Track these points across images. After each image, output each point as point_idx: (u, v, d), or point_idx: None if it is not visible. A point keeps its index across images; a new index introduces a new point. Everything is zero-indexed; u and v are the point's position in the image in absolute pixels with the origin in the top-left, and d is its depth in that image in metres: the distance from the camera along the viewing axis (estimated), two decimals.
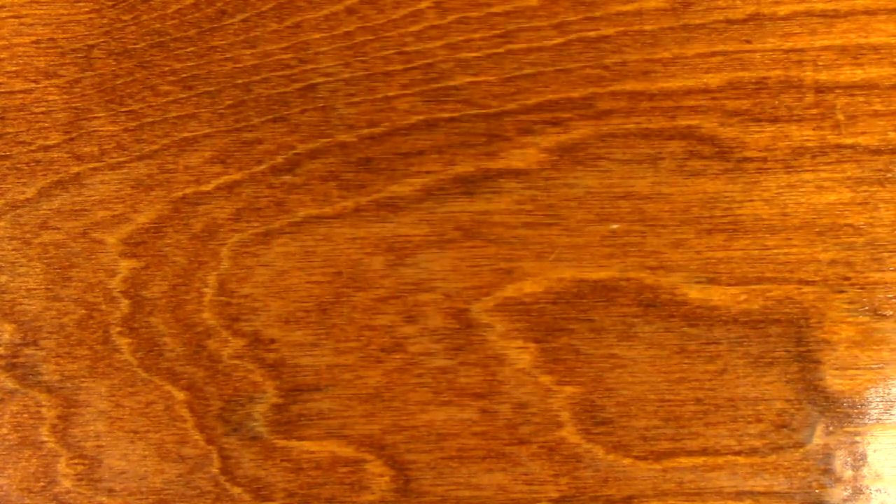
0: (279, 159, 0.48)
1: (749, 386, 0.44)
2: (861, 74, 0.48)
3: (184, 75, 0.49)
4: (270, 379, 0.48)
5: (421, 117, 0.49)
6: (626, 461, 0.47)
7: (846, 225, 0.46)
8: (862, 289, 0.45)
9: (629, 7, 0.50)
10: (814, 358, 0.44)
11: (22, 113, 0.50)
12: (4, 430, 0.49)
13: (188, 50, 0.50)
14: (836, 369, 0.44)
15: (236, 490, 0.48)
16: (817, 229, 0.46)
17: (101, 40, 0.50)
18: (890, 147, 0.47)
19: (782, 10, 0.49)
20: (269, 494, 0.48)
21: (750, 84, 0.48)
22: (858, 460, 0.43)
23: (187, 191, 0.47)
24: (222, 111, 0.49)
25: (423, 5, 0.50)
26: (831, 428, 0.43)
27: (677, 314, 0.45)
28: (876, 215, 0.46)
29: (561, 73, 0.49)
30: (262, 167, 0.48)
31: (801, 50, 0.49)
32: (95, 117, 0.49)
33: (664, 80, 0.49)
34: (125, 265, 0.49)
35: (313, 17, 0.50)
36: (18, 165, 0.50)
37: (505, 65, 0.49)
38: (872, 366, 0.44)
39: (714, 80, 0.49)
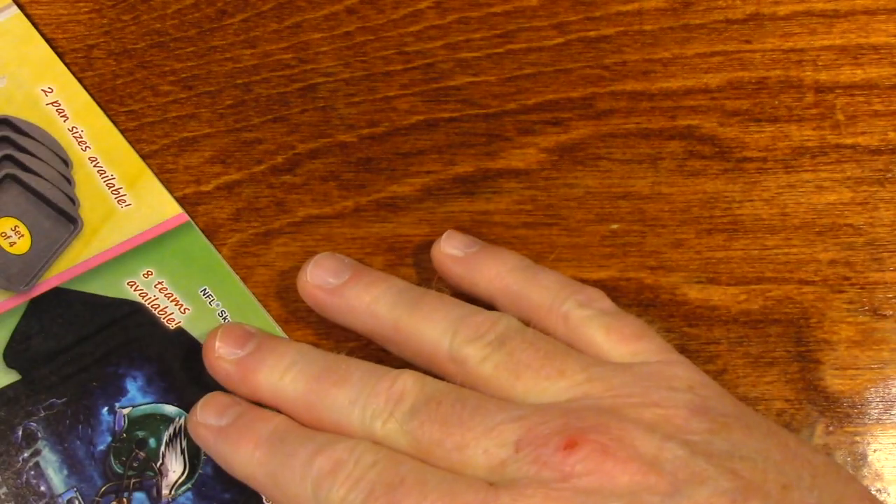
0: (279, 159, 0.48)
1: (749, 386, 0.44)
2: (861, 74, 0.48)
3: (184, 75, 0.49)
4: None
5: (421, 117, 0.49)
6: None
7: (846, 225, 0.46)
8: (862, 289, 0.45)
9: (629, 7, 0.50)
10: (814, 358, 0.44)
11: None
12: None
13: (188, 50, 0.50)
14: (836, 369, 0.44)
15: None
16: (817, 229, 0.46)
17: (101, 40, 0.50)
18: (890, 147, 0.47)
19: (782, 10, 0.49)
20: None
21: (750, 84, 0.48)
22: (858, 460, 0.43)
23: (187, 191, 0.47)
24: (222, 111, 0.49)
25: (423, 5, 0.50)
26: (831, 428, 0.43)
27: (677, 314, 0.45)
28: (876, 215, 0.46)
29: (561, 73, 0.49)
30: (262, 167, 0.48)
31: (801, 50, 0.49)
32: None
33: (664, 80, 0.49)
34: None
35: (313, 17, 0.50)
36: None
37: (505, 65, 0.49)
38: (872, 366, 0.44)
39: (714, 80, 0.49)
